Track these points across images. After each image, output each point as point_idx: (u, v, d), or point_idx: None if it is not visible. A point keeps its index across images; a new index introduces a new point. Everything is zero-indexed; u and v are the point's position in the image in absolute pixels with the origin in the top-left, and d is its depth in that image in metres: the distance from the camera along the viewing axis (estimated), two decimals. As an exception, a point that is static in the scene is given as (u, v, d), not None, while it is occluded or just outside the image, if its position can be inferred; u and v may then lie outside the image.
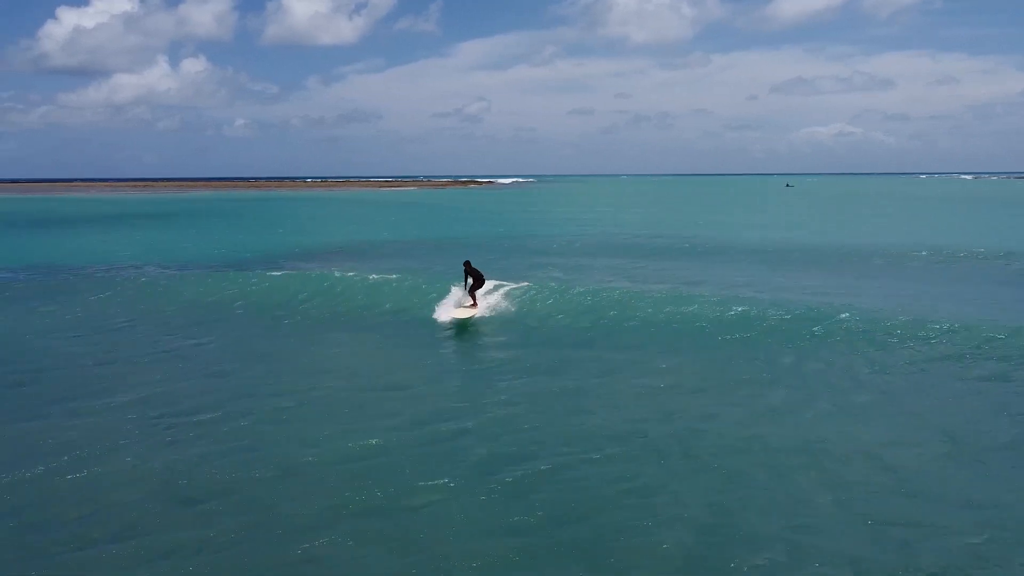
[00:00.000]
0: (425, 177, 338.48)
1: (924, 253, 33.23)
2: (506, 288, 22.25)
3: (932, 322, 17.62)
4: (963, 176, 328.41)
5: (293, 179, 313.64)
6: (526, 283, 23.20)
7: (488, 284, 21.98)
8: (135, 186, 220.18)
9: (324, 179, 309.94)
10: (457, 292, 21.51)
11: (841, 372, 14.78)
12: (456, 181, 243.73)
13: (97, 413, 12.90)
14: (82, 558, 8.19)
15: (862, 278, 26.82)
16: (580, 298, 21.24)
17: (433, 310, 20.72)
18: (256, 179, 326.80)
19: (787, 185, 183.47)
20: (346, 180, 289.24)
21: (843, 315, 18.39)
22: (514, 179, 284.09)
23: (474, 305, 20.58)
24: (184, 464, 10.60)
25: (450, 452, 11.02)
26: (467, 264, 21.09)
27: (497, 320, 19.98)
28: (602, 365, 15.74)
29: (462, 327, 19.31)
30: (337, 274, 25.23)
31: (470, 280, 20.67)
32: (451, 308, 20.50)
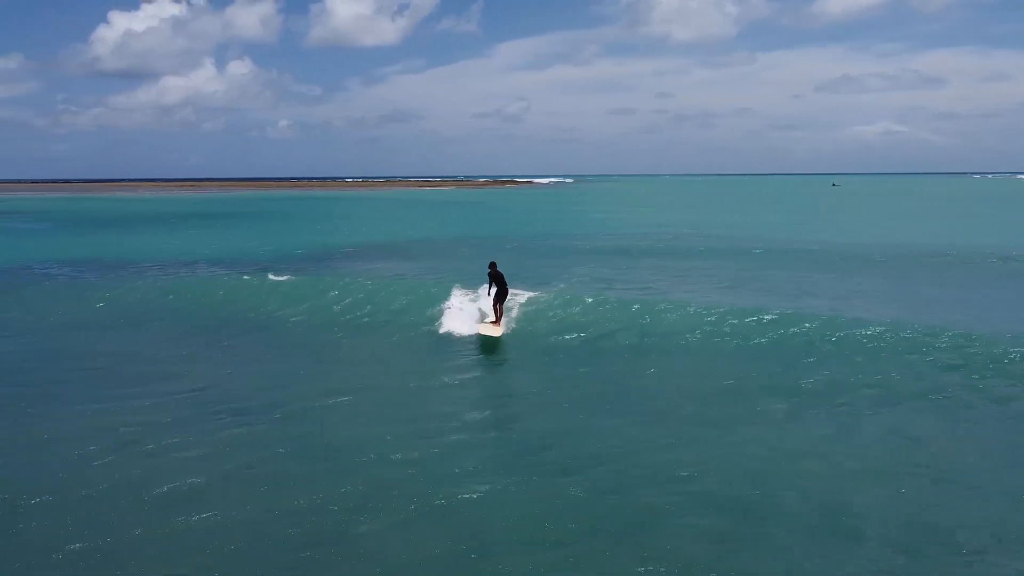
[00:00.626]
0: (465, 177, 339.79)
1: (993, 257, 31.78)
2: (540, 294, 20.57)
3: (1002, 331, 16.77)
4: (1019, 176, 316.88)
5: (335, 179, 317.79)
6: (561, 287, 22.69)
7: (522, 294, 20.06)
8: (181, 186, 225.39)
9: (365, 179, 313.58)
10: (463, 302, 19.58)
11: (915, 379, 14.05)
12: (494, 181, 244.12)
13: (159, 407, 13.03)
14: (145, 535, 8.19)
15: (933, 284, 25.63)
16: (622, 305, 19.63)
17: (449, 322, 18.70)
18: (298, 179, 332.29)
19: (833, 185, 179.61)
20: (387, 180, 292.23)
21: (911, 321, 17.55)
22: (552, 179, 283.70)
23: (496, 322, 18.11)
24: (245, 454, 10.65)
25: (504, 453, 10.87)
26: (492, 266, 18.50)
27: (535, 327, 18.44)
28: (656, 371, 15.34)
29: (489, 343, 17.40)
30: (370, 283, 23.77)
31: (493, 288, 18.27)
32: (473, 323, 18.44)
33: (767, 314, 17.83)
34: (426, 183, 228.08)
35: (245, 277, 26.16)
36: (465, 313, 19.12)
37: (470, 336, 18.01)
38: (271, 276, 25.43)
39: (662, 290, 23.01)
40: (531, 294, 20.59)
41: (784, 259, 31.40)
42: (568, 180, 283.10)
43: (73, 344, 18.12)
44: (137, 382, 14.63)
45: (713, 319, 18.00)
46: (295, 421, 12.22)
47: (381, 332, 19.22)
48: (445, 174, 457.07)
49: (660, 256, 33.66)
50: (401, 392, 13.89)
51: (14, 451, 11.02)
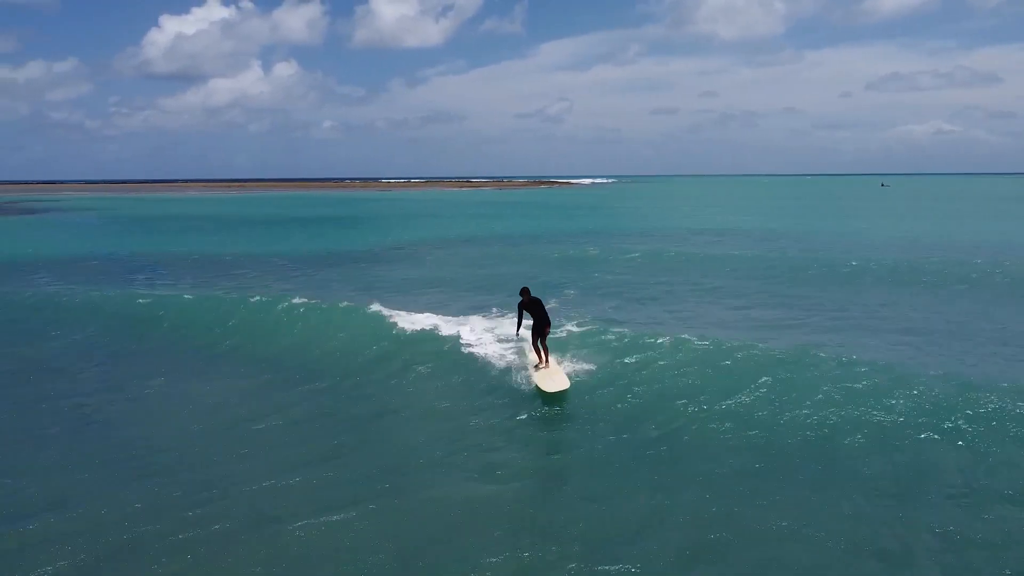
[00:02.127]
0: (506, 178, 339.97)
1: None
2: (597, 324, 16.79)
3: None
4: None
5: (377, 180, 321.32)
6: (616, 310, 21.13)
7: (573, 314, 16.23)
8: (228, 186, 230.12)
9: (407, 179, 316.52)
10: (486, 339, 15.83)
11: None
12: (533, 182, 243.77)
13: (244, 391, 13.84)
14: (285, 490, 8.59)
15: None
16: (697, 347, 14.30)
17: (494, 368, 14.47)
18: (341, 179, 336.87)
19: (882, 185, 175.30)
20: (428, 180, 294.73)
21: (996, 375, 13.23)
22: (593, 180, 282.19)
23: (545, 363, 13.68)
24: (329, 427, 11.49)
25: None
26: (524, 293, 14.12)
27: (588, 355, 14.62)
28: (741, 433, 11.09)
29: (552, 399, 12.61)
30: (445, 325, 19.67)
31: (526, 322, 14.05)
32: (531, 375, 13.58)
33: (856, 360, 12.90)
34: (466, 183, 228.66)
35: (314, 301, 26.34)
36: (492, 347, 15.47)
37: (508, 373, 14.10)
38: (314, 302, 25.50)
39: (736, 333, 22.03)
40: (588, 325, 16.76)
41: (866, 277, 24.82)
42: (608, 181, 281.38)
43: (144, 334, 18.85)
44: (220, 362, 15.77)
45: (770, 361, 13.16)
46: (362, 409, 12.69)
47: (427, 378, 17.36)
48: (486, 174, 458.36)
49: (725, 276, 32.90)
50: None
51: (149, 424, 11.88)
